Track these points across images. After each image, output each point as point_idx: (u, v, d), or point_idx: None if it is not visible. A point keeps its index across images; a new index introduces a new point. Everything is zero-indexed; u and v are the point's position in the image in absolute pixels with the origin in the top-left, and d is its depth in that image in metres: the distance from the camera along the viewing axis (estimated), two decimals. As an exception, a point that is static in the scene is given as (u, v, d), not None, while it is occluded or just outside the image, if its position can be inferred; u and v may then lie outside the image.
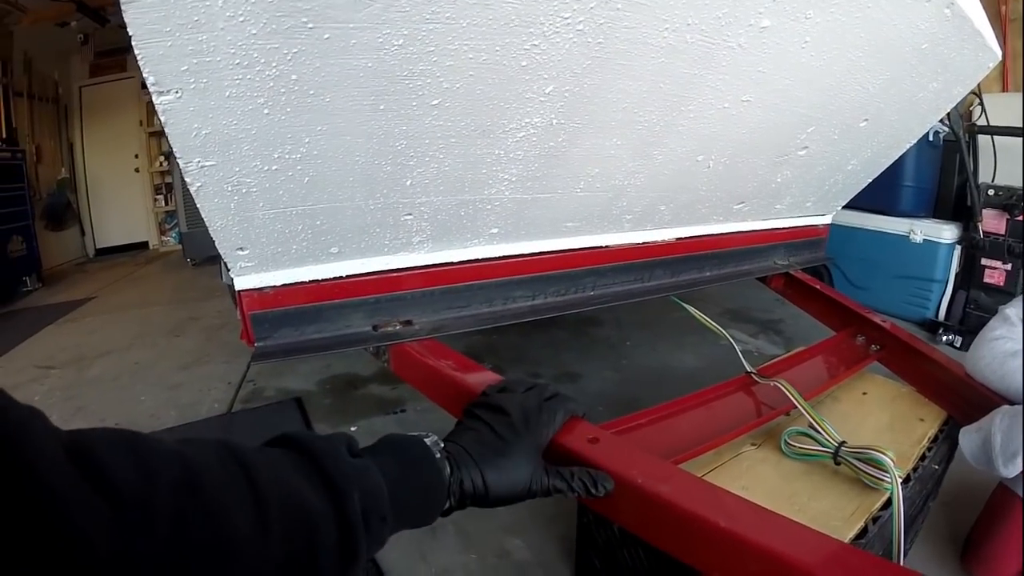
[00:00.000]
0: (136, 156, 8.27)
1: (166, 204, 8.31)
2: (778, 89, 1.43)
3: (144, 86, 0.82)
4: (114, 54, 7.80)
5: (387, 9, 0.85)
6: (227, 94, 0.88)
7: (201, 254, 6.72)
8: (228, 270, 1.23)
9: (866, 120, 1.77)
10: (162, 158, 8.10)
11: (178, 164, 0.96)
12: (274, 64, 0.86)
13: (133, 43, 0.76)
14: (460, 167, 1.21)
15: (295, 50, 0.86)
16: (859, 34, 1.35)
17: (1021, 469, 1.35)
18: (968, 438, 1.45)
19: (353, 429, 2.63)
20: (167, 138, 0.92)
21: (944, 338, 3.64)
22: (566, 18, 0.97)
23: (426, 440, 0.86)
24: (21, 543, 0.40)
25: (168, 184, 8.11)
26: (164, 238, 8.53)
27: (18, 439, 0.42)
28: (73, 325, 4.68)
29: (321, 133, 1.00)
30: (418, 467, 0.82)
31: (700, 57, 1.20)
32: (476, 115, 1.10)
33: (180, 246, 7.29)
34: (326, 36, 0.85)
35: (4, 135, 6.26)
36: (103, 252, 8.26)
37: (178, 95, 0.85)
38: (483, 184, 1.29)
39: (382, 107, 1.00)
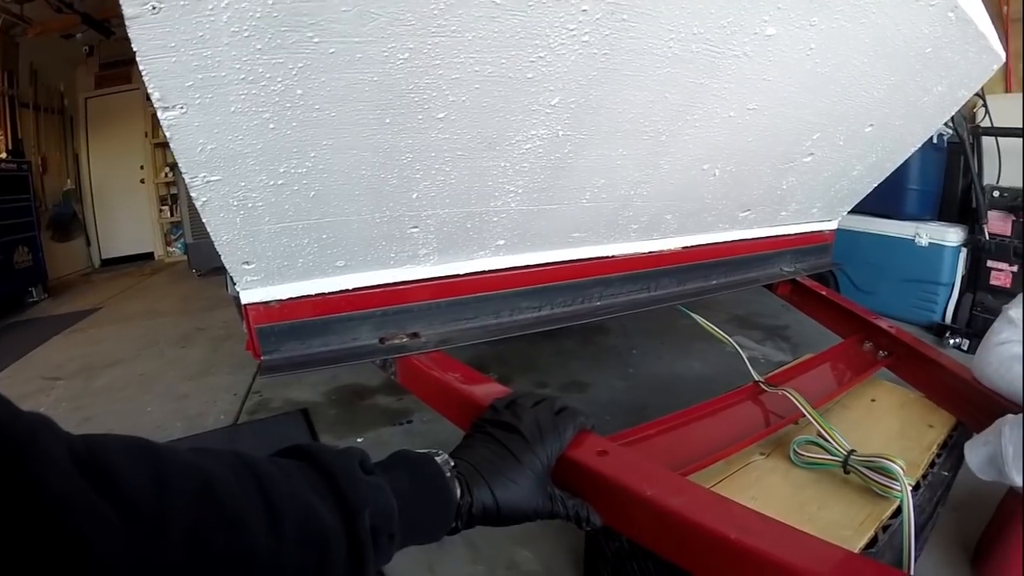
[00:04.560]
0: (141, 167, 8.30)
1: (171, 215, 8.33)
2: (783, 96, 1.43)
3: (149, 97, 0.82)
4: (119, 65, 7.82)
5: (392, 23, 0.85)
6: (232, 109, 0.88)
7: (207, 265, 6.71)
8: (234, 284, 1.23)
9: (871, 125, 1.77)
10: (167, 169, 8.12)
11: (183, 178, 0.96)
12: (279, 79, 0.86)
13: (138, 59, 0.76)
14: (466, 180, 1.21)
15: (300, 65, 0.86)
16: (863, 40, 1.35)
17: None
18: (975, 452, 1.43)
19: (360, 440, 2.62)
20: (171, 149, 0.91)
21: (951, 341, 3.61)
22: (571, 30, 0.97)
23: (437, 458, 0.86)
24: (28, 554, 0.40)
25: (174, 195, 8.16)
26: (170, 248, 8.54)
27: (24, 449, 0.42)
28: (80, 335, 4.68)
29: (327, 147, 1.01)
30: (428, 485, 0.82)
31: (706, 66, 1.20)
32: (482, 127, 1.10)
33: (186, 256, 7.33)
34: (331, 50, 0.85)
35: (10, 146, 6.29)
36: (109, 262, 8.28)
37: (183, 111, 0.85)
38: (489, 196, 1.29)
39: (388, 121, 1.00)
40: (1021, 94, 3.71)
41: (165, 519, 0.50)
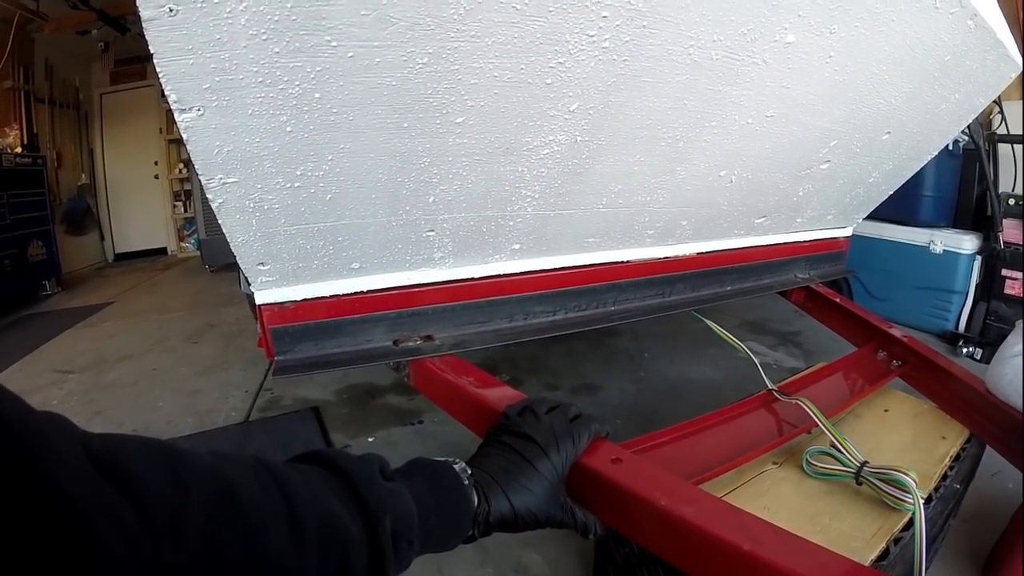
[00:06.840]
0: (156, 163, 8.35)
1: (185, 210, 8.37)
2: (801, 104, 1.42)
3: (164, 94, 0.81)
4: (134, 62, 7.87)
5: (412, 28, 0.85)
6: (249, 112, 0.88)
7: (219, 261, 6.73)
8: (248, 284, 1.23)
9: (888, 133, 1.75)
10: (181, 165, 8.15)
11: (199, 179, 0.96)
12: (297, 82, 0.86)
13: (155, 61, 0.76)
14: (483, 184, 1.21)
15: (318, 68, 0.86)
16: (883, 48, 1.34)
17: None
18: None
19: (371, 440, 2.62)
20: (188, 150, 0.91)
21: (964, 350, 3.57)
22: (592, 36, 0.97)
23: (455, 467, 0.86)
24: (40, 555, 0.40)
25: (187, 191, 8.21)
26: (183, 244, 8.58)
27: (35, 450, 0.42)
28: (92, 330, 4.70)
29: (344, 151, 1.00)
30: (448, 494, 0.83)
31: (725, 73, 1.20)
32: (500, 133, 1.10)
33: (199, 252, 7.37)
34: (350, 54, 0.85)
35: (26, 141, 6.33)
36: (122, 257, 8.33)
37: (200, 113, 0.85)
38: (506, 201, 1.29)
39: (406, 125, 1.00)
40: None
41: (183, 522, 0.50)
